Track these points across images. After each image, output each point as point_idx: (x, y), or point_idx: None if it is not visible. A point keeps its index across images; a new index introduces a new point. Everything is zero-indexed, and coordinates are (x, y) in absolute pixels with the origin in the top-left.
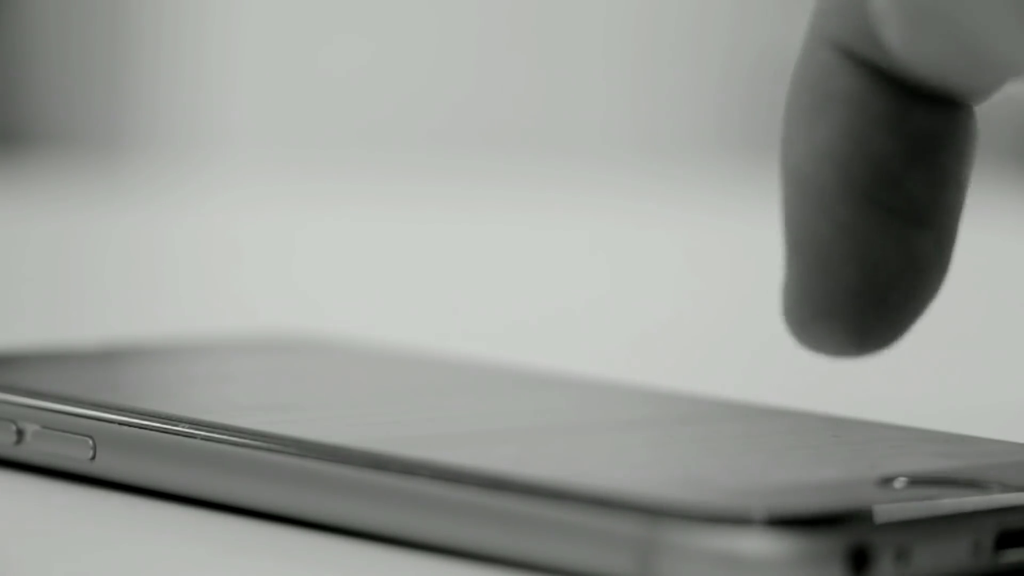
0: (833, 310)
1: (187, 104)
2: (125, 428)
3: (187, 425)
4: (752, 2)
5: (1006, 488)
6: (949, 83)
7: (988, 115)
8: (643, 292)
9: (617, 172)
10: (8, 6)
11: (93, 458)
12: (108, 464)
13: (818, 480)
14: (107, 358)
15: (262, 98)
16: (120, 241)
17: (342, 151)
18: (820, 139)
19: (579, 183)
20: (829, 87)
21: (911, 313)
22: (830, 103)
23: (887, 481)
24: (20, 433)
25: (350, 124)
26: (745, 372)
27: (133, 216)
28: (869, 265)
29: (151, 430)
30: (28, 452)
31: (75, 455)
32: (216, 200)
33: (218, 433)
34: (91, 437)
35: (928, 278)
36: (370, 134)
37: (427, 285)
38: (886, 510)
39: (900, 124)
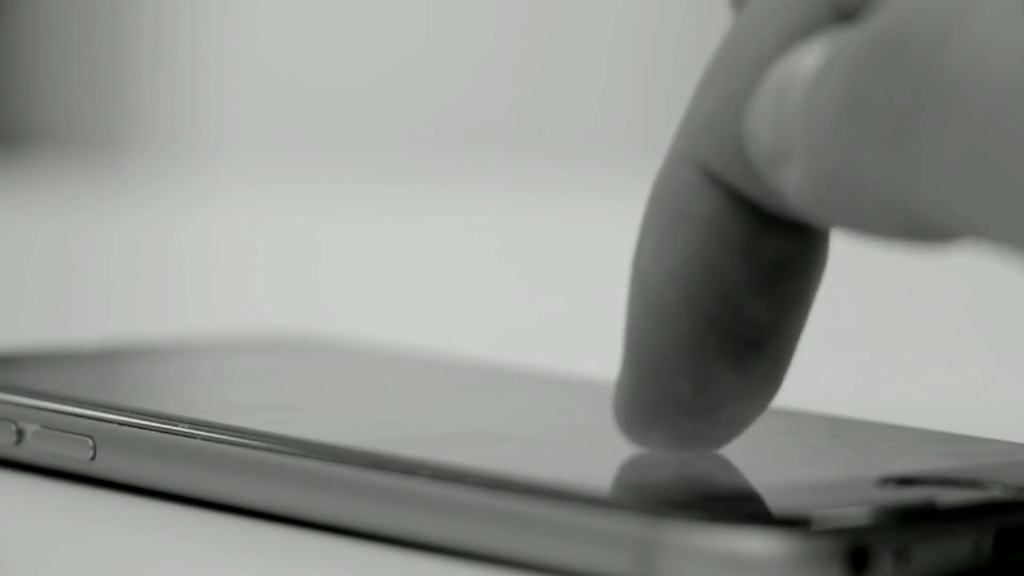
0: (660, 418)
1: (189, 104)
2: (125, 428)
3: (187, 425)
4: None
5: (1006, 488)
6: (845, 229)
7: None
8: None
9: (617, 172)
10: (8, 6)
11: (93, 458)
12: (108, 464)
13: (818, 480)
14: (107, 358)
15: (264, 98)
16: (121, 241)
17: (344, 153)
18: (671, 258)
19: (579, 184)
20: (686, 207)
21: (739, 424)
22: (685, 224)
23: (887, 481)
24: (20, 433)
25: (353, 125)
26: None
27: (134, 216)
28: (701, 381)
29: (151, 430)
30: (28, 452)
31: (75, 455)
32: (218, 201)
33: (218, 433)
34: (91, 437)
35: (760, 396)
36: (373, 136)
37: (427, 285)
38: (886, 510)
39: (752, 251)
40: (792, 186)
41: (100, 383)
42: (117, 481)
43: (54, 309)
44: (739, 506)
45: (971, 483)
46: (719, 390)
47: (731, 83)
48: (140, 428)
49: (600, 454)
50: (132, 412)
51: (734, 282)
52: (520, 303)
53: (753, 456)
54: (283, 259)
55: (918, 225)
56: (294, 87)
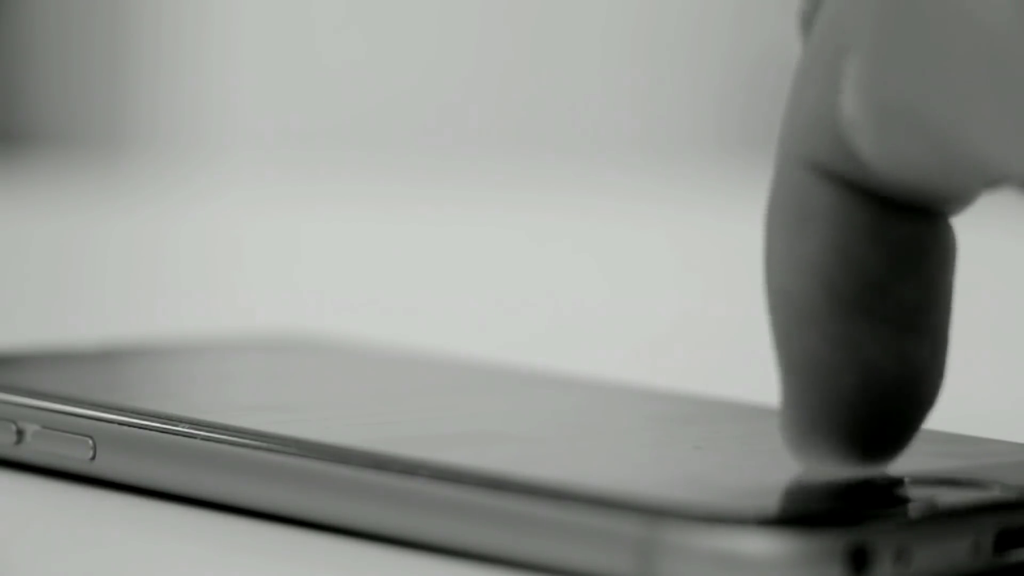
0: (832, 424)
1: (187, 104)
2: (125, 428)
3: (187, 425)
4: (752, 2)
5: (1006, 488)
6: (925, 188)
7: None
8: (642, 292)
9: (617, 172)
10: (8, 6)
11: (93, 458)
12: (108, 464)
13: (818, 480)
14: (107, 358)
15: (263, 98)
16: (120, 241)
17: (343, 152)
18: (803, 256)
19: (579, 183)
20: (807, 206)
21: (912, 422)
22: (810, 221)
23: (887, 481)
24: (20, 433)
25: (352, 125)
26: (745, 372)
27: (133, 216)
28: (865, 376)
29: (151, 430)
30: (28, 452)
31: (75, 455)
32: (217, 200)
33: (218, 433)
34: (91, 437)
35: (926, 385)
36: (371, 135)
37: (427, 285)
38: (886, 510)
39: (881, 234)
40: (867, 151)
41: (100, 383)
42: (117, 481)
43: (52, 309)
44: (739, 506)
45: (971, 483)
46: (884, 383)
47: (826, 74)
48: (140, 428)
49: (600, 454)
50: (132, 412)
51: (871, 267)
52: (520, 303)
53: (753, 456)
54: (282, 259)
55: (967, 168)
56: (293, 87)
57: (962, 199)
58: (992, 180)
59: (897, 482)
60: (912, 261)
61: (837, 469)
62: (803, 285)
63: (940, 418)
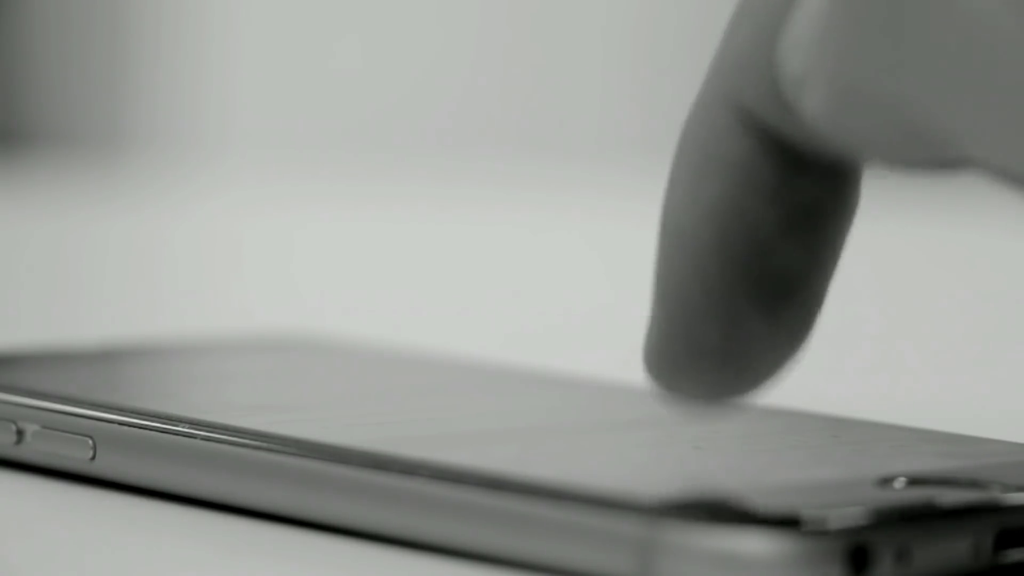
0: (690, 364)
1: (187, 104)
2: (125, 428)
3: (187, 425)
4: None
5: (1006, 488)
6: (865, 155)
7: None
8: (642, 292)
9: (616, 172)
10: (8, 6)
11: (93, 458)
12: (108, 464)
13: (818, 480)
14: (107, 358)
15: (262, 98)
16: (120, 241)
17: (342, 151)
18: (701, 200)
19: (579, 183)
20: (716, 149)
21: (767, 374)
22: (716, 165)
23: (887, 481)
24: (20, 433)
25: (351, 125)
26: None
27: (133, 216)
28: (731, 329)
29: (151, 430)
30: (28, 452)
31: (75, 455)
32: (216, 200)
33: (218, 433)
34: (91, 437)
35: (789, 344)
36: (371, 135)
37: (427, 285)
38: (886, 510)
39: (783, 196)
40: (812, 110)
41: (100, 383)
42: (117, 481)
43: (52, 309)
44: (739, 506)
45: (971, 483)
46: (748, 337)
47: (764, 15)
48: (140, 428)
49: (600, 454)
50: (132, 412)
51: (766, 226)
52: (520, 302)
53: (753, 456)
54: (282, 259)
55: (923, 144)
56: (292, 87)
57: (903, 170)
58: (946, 161)
59: (897, 482)
60: (805, 225)
61: (715, 403)
62: (695, 228)
63: (940, 418)
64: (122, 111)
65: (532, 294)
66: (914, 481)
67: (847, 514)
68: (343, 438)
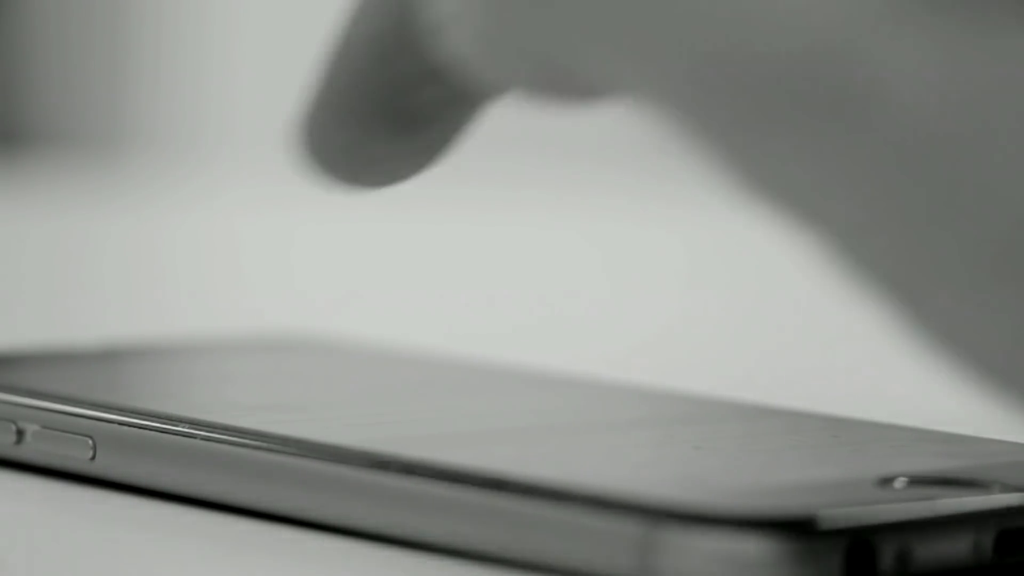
0: (325, 164)
1: (187, 104)
2: (125, 428)
3: (187, 425)
4: None
5: (1006, 488)
6: (513, 93)
7: None
8: (642, 292)
9: (616, 171)
10: (8, 6)
11: (93, 458)
12: (108, 464)
13: (818, 480)
14: (107, 358)
15: (262, 99)
16: (120, 241)
17: None
18: (363, 31)
19: (578, 182)
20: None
21: (387, 180)
22: (376, 10)
23: (887, 481)
24: (20, 433)
25: None
26: (745, 372)
27: (133, 216)
28: (362, 135)
29: (151, 430)
30: (28, 452)
31: (75, 455)
32: (216, 200)
33: (218, 433)
34: (91, 437)
35: (415, 160)
36: None
37: (427, 285)
38: (886, 510)
39: (426, 54)
40: (457, 50)
41: (100, 383)
42: (117, 481)
43: (52, 309)
44: (739, 506)
45: (971, 483)
46: (378, 146)
47: None
48: (140, 428)
49: (599, 454)
50: (132, 412)
51: (407, 76)
52: (520, 302)
53: (753, 456)
54: (282, 259)
55: (573, 83)
56: (292, 88)
57: (543, 104)
58: (588, 96)
59: (897, 482)
60: (442, 78)
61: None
62: (357, 44)
63: (940, 418)
64: (122, 111)
65: (532, 294)
66: (914, 481)
67: (847, 514)
68: (343, 438)
